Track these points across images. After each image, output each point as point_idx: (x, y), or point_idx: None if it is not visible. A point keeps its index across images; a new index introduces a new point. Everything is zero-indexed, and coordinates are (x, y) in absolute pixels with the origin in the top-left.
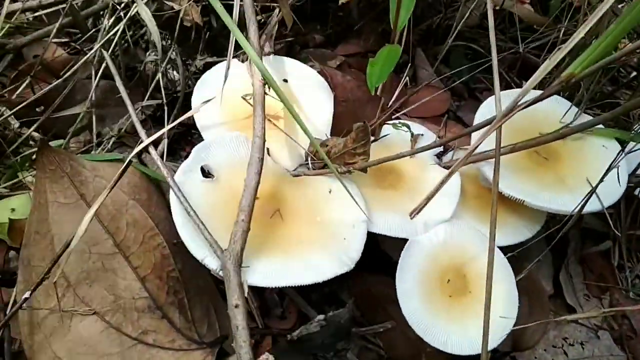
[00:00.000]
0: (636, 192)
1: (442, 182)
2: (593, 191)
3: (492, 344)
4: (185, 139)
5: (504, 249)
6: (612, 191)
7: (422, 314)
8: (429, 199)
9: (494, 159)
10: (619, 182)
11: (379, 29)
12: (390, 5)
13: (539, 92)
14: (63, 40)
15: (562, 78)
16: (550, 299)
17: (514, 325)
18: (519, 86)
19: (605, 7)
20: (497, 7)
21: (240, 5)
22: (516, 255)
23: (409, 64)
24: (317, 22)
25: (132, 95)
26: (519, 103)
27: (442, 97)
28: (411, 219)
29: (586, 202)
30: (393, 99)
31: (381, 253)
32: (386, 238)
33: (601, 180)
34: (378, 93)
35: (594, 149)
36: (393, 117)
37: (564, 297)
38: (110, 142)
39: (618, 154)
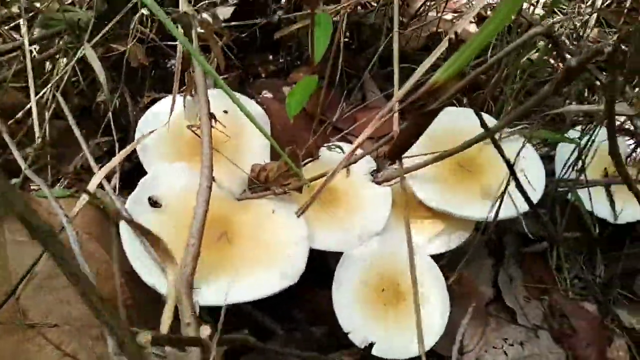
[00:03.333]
0: (569, 197)
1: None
2: (501, 198)
3: (427, 346)
4: (142, 172)
5: (438, 257)
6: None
7: (360, 324)
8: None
9: (417, 173)
10: (533, 187)
11: (327, 56)
12: (309, 41)
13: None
14: (23, 84)
15: (427, 86)
16: (491, 302)
17: (455, 331)
18: (460, 103)
19: (470, 16)
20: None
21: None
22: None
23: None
24: (269, 52)
25: (88, 134)
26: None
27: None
28: (298, 216)
29: (498, 210)
30: (330, 121)
31: (328, 268)
32: (331, 254)
33: (505, 189)
34: (315, 118)
35: (516, 160)
36: (336, 138)
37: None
38: (67, 180)
39: (515, 158)
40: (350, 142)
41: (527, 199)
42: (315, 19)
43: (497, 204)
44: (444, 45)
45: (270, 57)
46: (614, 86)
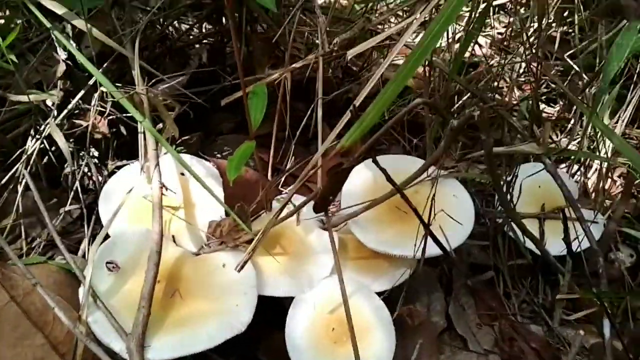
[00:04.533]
0: (506, 230)
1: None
2: (424, 238)
3: None
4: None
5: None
6: (459, 232)
7: None
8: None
9: (357, 218)
10: (461, 223)
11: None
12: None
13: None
14: None
15: (337, 149)
16: (444, 332)
17: None
18: (410, 143)
19: (375, 79)
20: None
21: None
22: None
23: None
24: (229, 111)
25: (59, 201)
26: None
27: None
28: (238, 271)
29: (424, 248)
30: (283, 171)
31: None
32: (286, 298)
33: (426, 231)
34: (268, 174)
35: (446, 198)
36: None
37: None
38: (41, 246)
39: (430, 201)
40: (309, 189)
41: (437, 242)
42: (252, 90)
43: (423, 243)
44: (346, 117)
45: (231, 115)
46: (489, 143)
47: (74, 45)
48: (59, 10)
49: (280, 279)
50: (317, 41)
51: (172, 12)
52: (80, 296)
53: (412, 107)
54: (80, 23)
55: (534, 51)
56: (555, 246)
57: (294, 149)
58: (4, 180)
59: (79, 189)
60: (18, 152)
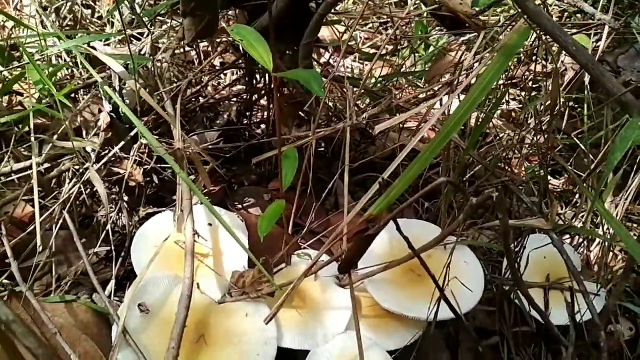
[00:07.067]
0: (512, 297)
1: None
2: (437, 302)
3: None
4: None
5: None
6: (468, 298)
7: None
8: None
9: (373, 277)
10: (470, 289)
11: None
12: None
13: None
14: (31, 197)
15: (364, 217)
16: None
17: None
18: (422, 206)
19: (402, 156)
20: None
21: None
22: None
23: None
24: (252, 164)
25: (88, 241)
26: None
27: (357, 220)
28: (266, 323)
29: (437, 311)
30: (303, 227)
31: None
32: (300, 351)
33: (440, 295)
34: (289, 230)
35: (458, 264)
36: (312, 241)
37: None
38: (68, 284)
39: (445, 267)
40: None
41: (450, 306)
42: (283, 152)
43: (436, 306)
44: (375, 187)
45: (253, 167)
46: (505, 222)
47: (120, 99)
48: (118, 68)
49: (297, 332)
50: (339, 106)
51: (210, 73)
52: (113, 335)
53: (435, 186)
54: (130, 81)
55: (543, 130)
56: (558, 316)
57: (309, 204)
58: (41, 219)
59: (110, 232)
60: (55, 193)
